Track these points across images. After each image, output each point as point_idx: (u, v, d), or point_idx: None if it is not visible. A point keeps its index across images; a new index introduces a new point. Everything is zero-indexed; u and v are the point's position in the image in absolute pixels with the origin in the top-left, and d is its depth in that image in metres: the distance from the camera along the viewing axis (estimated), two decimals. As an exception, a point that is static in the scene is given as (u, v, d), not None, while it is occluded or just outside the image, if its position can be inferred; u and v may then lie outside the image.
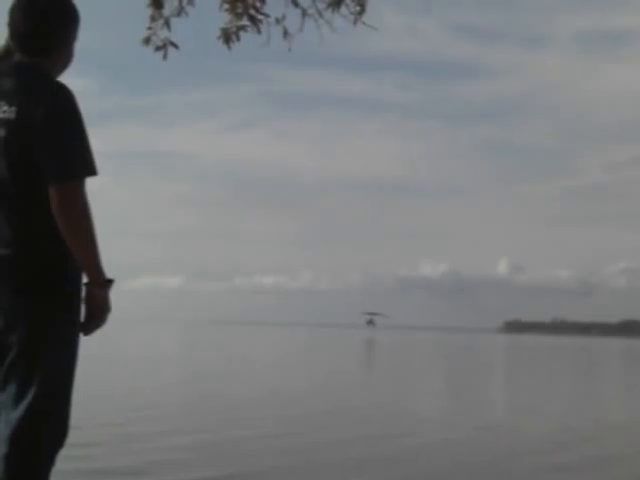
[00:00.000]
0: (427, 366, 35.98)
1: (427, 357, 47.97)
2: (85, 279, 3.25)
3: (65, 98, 3.19)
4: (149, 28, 5.60)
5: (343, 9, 5.72)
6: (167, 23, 5.61)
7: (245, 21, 5.65)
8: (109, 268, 3.26)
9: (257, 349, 51.36)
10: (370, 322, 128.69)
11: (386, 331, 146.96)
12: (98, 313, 3.28)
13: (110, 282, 3.28)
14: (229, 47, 5.70)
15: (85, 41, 3.49)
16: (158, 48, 5.59)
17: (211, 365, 29.09)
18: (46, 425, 3.18)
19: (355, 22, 5.75)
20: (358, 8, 5.74)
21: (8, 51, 3.39)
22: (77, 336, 3.29)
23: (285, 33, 5.69)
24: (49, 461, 3.22)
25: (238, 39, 5.71)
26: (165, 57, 5.60)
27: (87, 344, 3.78)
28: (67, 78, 3.38)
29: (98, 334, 3.42)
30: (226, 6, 5.65)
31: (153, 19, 5.61)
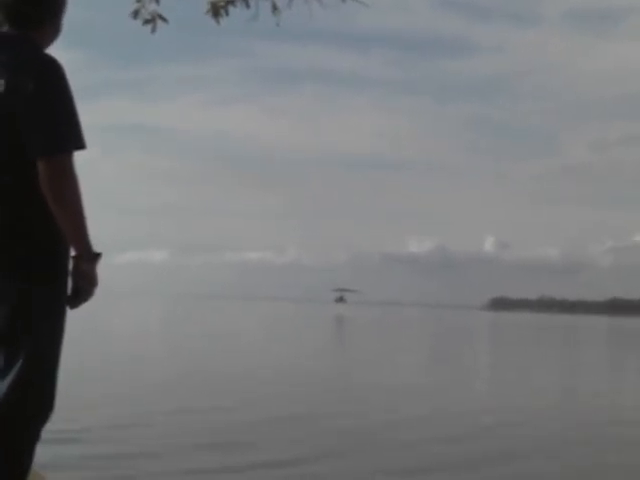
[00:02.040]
0: (401, 346, 35.24)
1: (404, 336, 47.51)
2: (72, 252, 3.24)
3: (54, 71, 3.16)
4: (138, 1, 5.56)
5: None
6: (156, -4, 5.57)
7: (234, -5, 5.62)
8: (96, 242, 3.25)
9: (234, 325, 51.25)
10: (340, 299, 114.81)
11: (368, 307, 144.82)
12: (85, 287, 3.27)
13: (98, 256, 3.27)
14: (217, 21, 5.67)
15: (73, 14, 3.46)
16: (147, 21, 5.56)
17: (193, 341, 28.99)
18: (32, 399, 3.18)
19: (344, -2, 5.72)
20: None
21: None
22: (64, 310, 3.29)
23: (274, 8, 5.66)
24: (34, 435, 3.23)
25: (227, 13, 5.68)
26: (153, 30, 5.57)
27: (76, 320, 3.77)
28: (54, 51, 3.36)
29: (85, 308, 3.42)
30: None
31: (142, -8, 5.56)
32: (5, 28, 3.30)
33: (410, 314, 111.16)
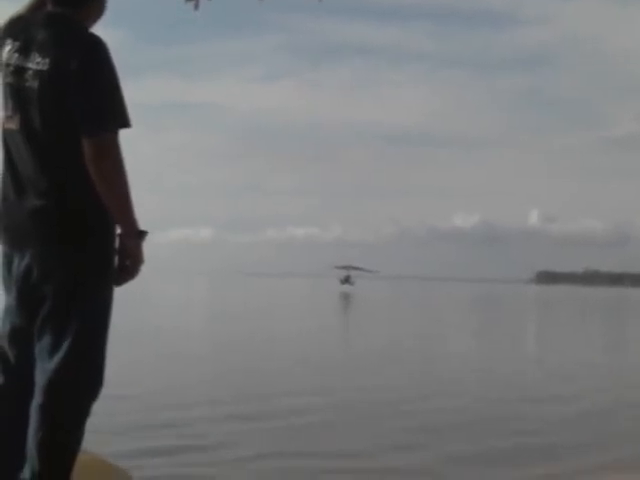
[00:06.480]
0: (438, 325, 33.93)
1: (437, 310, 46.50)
2: (118, 230, 3.26)
3: (99, 50, 3.16)
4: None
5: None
6: (198, -28, 5.52)
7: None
8: (140, 220, 3.26)
9: (276, 304, 50.08)
10: (346, 281, 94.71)
11: (411, 283, 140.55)
12: (131, 264, 3.29)
13: (143, 234, 3.28)
14: (260, -3, 5.62)
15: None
16: (189, -2, 5.52)
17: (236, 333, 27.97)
18: (81, 376, 3.21)
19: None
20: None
21: (41, 1, 3.37)
22: (111, 288, 3.31)
23: (317, -18, 5.59)
24: (84, 411, 3.26)
25: (270, -12, 5.62)
26: (197, 7, 5.54)
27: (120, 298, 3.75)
28: (101, 29, 3.36)
29: (131, 285, 3.42)
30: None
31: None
32: (49, 7, 3.31)
33: (452, 289, 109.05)
